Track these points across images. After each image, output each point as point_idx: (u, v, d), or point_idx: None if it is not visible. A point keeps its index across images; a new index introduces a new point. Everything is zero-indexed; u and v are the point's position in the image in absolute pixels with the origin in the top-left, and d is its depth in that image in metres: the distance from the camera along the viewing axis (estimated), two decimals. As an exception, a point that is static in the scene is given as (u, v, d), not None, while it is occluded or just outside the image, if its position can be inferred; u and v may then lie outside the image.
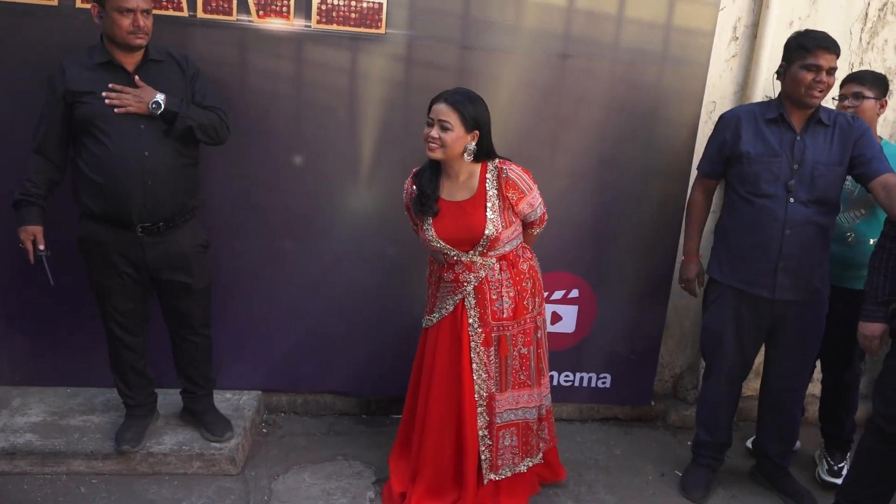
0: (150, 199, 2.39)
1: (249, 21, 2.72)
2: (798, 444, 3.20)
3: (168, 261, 2.52)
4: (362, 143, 2.90)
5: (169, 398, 2.94)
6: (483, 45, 2.83)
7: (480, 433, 2.46)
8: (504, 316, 2.41)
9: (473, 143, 2.30)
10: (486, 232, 2.31)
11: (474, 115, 2.27)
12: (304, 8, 2.72)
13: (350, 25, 2.76)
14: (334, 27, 2.76)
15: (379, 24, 2.77)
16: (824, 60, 2.40)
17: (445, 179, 2.38)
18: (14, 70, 2.68)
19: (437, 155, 2.28)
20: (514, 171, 2.37)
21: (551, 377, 3.26)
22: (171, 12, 2.66)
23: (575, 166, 3.01)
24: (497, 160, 2.38)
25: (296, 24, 2.74)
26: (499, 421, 2.46)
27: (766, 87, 3.06)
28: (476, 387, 2.43)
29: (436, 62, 2.84)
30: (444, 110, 2.25)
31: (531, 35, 2.85)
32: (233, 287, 2.94)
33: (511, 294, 2.41)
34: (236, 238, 2.76)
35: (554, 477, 2.79)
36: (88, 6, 2.54)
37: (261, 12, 2.71)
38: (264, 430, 3.09)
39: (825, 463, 3.00)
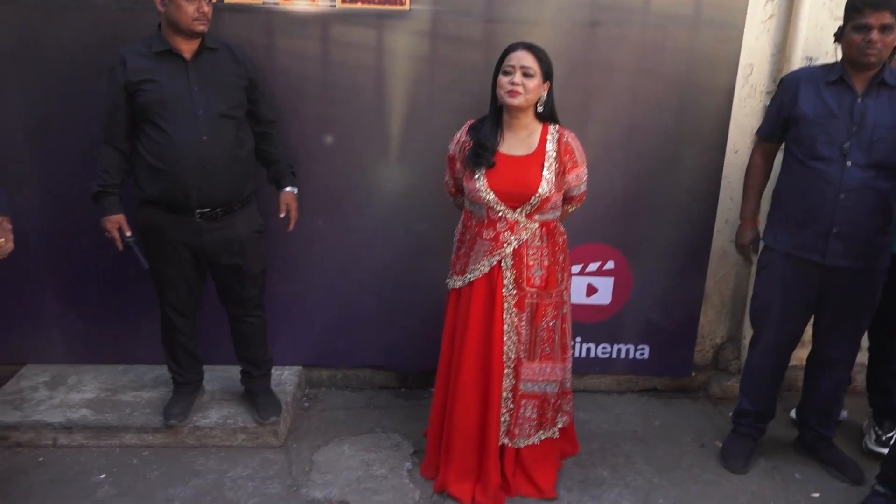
0: (208, 183, 2.47)
1: (275, 4, 2.75)
2: (845, 413, 3.13)
3: (225, 246, 2.60)
4: (390, 121, 2.93)
5: (215, 374, 3.07)
6: (508, 17, 2.81)
7: (504, 394, 2.47)
8: (537, 283, 2.41)
9: (545, 94, 2.34)
10: (540, 190, 2.31)
11: (548, 61, 2.32)
12: (328, -12, 2.75)
13: (374, 3, 2.77)
14: (359, 6, 2.77)
15: (403, 1, 2.78)
16: (874, 19, 2.28)
17: (507, 132, 2.38)
18: (48, 64, 2.79)
19: (519, 101, 2.28)
20: (574, 140, 2.40)
21: (588, 349, 3.27)
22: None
23: (607, 136, 2.97)
24: (557, 125, 2.41)
25: (321, 4, 2.77)
26: (522, 388, 2.47)
27: (806, 48, 2.95)
28: (505, 348, 2.43)
29: (461, 36, 2.83)
30: (526, 57, 2.28)
31: (558, 4, 2.81)
32: (270, 267, 3.00)
33: (546, 263, 2.41)
34: (271, 219, 2.82)
35: (572, 449, 2.79)
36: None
37: (287, -6, 2.75)
38: (306, 404, 3.19)
39: (873, 433, 2.92)
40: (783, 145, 2.67)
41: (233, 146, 2.51)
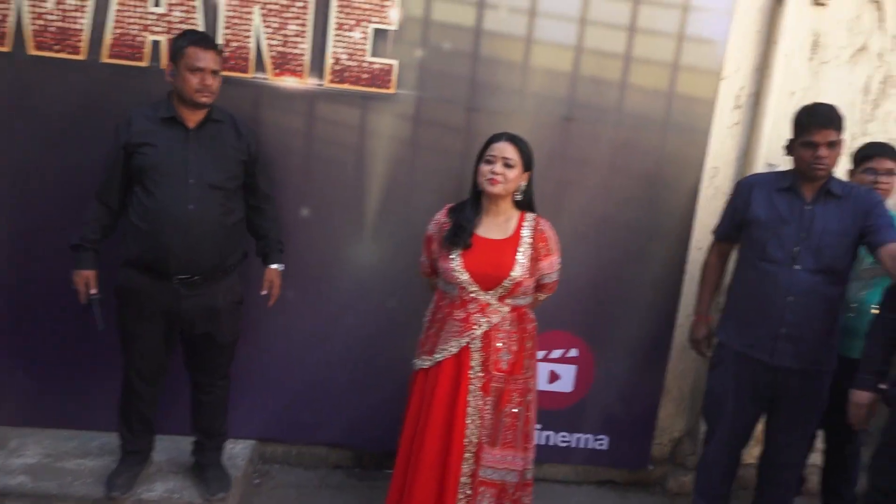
0: (189, 250, 2.45)
1: (265, 79, 2.81)
2: (798, 515, 3.15)
3: (201, 314, 2.56)
4: (369, 199, 2.96)
5: (164, 444, 2.94)
6: (489, 107, 2.91)
7: (463, 479, 2.43)
8: (504, 368, 2.42)
9: (524, 183, 2.42)
10: (513, 273, 2.36)
11: (529, 155, 2.43)
12: (317, 67, 2.82)
13: (361, 85, 2.85)
14: (346, 86, 2.85)
15: (389, 85, 2.86)
16: (821, 136, 2.44)
17: (485, 216, 2.45)
18: (41, 119, 2.79)
19: (498, 189, 2.36)
20: (550, 228, 2.49)
21: (547, 437, 3.25)
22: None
23: (577, 227, 3.05)
24: (534, 214, 2.49)
25: (309, 82, 2.83)
26: (481, 475, 2.43)
27: (768, 154, 3.11)
28: (467, 431, 2.41)
29: (443, 122, 2.92)
30: (508, 148, 2.37)
31: (536, 98, 2.94)
32: (234, 335, 2.97)
33: (514, 349, 2.43)
34: (241, 287, 2.79)
35: None
36: (113, 61, 2.67)
37: (276, 70, 2.81)
38: (256, 481, 3.07)
39: (826, 537, 2.94)
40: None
41: (220, 216, 2.51)
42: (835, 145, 2.45)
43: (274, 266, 2.74)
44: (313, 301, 3.01)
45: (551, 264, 2.48)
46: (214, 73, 2.44)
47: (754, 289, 2.58)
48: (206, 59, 2.41)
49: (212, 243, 2.50)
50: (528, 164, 2.42)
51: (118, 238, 2.54)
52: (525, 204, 2.48)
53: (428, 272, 2.60)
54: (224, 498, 2.71)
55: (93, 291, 2.50)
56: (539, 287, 2.51)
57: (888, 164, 2.78)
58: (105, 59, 2.75)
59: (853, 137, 3.22)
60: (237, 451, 3.03)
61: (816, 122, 2.45)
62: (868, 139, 3.12)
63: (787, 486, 2.76)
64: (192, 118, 2.48)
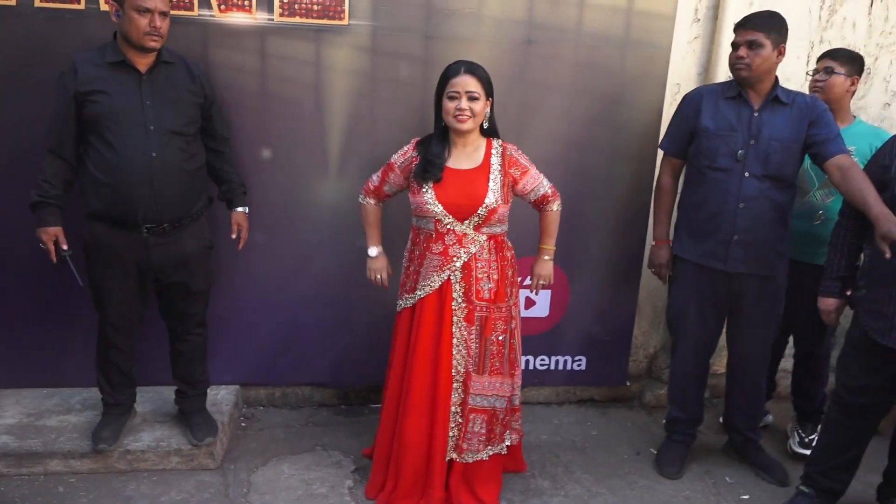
0: (157, 200, 2.40)
1: (211, 16, 2.71)
2: (770, 417, 3.28)
3: (172, 262, 2.53)
4: (330, 136, 2.92)
5: (147, 395, 2.96)
6: (446, 34, 2.85)
7: (453, 408, 2.48)
8: (486, 297, 2.44)
9: (488, 109, 2.41)
10: (487, 200, 2.36)
11: (488, 79, 2.40)
12: (265, 1, 2.72)
13: (313, 17, 2.77)
14: (297, 20, 2.76)
15: (342, 16, 2.78)
16: (740, 36, 2.51)
17: (453, 148, 2.43)
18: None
19: (468, 126, 2.35)
20: (517, 151, 2.48)
21: (526, 361, 3.31)
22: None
23: (543, 152, 3.01)
24: (500, 140, 2.47)
25: (258, 17, 2.74)
26: (471, 403, 2.48)
27: (728, 67, 3.08)
28: (454, 362, 2.45)
29: (400, 52, 2.86)
30: (471, 81, 2.33)
31: (494, 22, 2.87)
32: (206, 283, 2.95)
33: (495, 277, 2.45)
34: (216, 237, 2.77)
35: (516, 467, 2.81)
36: (47, 5, 2.54)
37: (222, 6, 2.71)
38: (243, 424, 3.11)
39: (797, 435, 3.06)
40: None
41: (182, 162, 2.46)
42: (755, 45, 2.47)
43: (240, 209, 2.72)
44: (283, 243, 2.99)
45: (533, 178, 2.48)
46: (163, 14, 2.32)
47: (706, 199, 2.62)
48: (155, 0, 2.28)
49: (177, 191, 2.46)
50: (489, 92, 2.40)
51: (76, 193, 2.48)
52: (491, 131, 2.47)
53: (370, 191, 2.58)
54: (212, 442, 2.74)
55: (65, 247, 2.44)
56: (542, 201, 2.52)
57: (826, 63, 2.80)
58: (38, 3, 2.62)
59: (811, 45, 3.23)
60: (221, 397, 3.06)
61: (739, 23, 2.52)
62: (826, 46, 3.13)
63: (756, 390, 2.87)
64: (143, 62, 2.38)
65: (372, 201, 2.59)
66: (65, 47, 2.62)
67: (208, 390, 2.90)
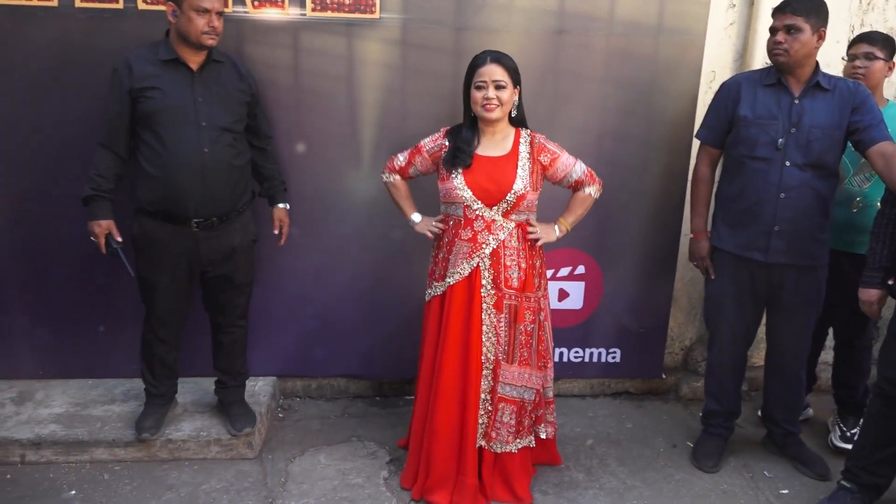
0: (207, 194, 2.47)
1: (245, 12, 2.76)
2: (810, 411, 3.21)
3: (219, 255, 2.60)
4: (363, 129, 2.94)
5: (188, 386, 3.03)
6: (477, 26, 2.85)
7: (483, 395, 2.49)
8: (515, 285, 2.44)
9: (517, 97, 2.42)
10: (515, 187, 2.37)
11: (515, 68, 2.40)
12: (298, -4, 2.76)
13: (344, 11, 2.79)
14: (329, 14, 2.79)
15: (373, 9, 2.80)
16: (778, 21, 2.45)
17: (483, 137, 2.45)
18: (18, 72, 2.76)
19: (496, 114, 2.36)
20: (545, 139, 2.49)
21: (560, 354, 3.30)
22: (164, 7, 2.70)
23: (575, 142, 2.98)
24: (529, 130, 2.49)
25: (291, 12, 2.78)
26: (500, 391, 2.48)
27: (766, 54, 3.02)
28: (484, 349, 2.46)
29: (431, 44, 2.86)
30: (497, 70, 2.34)
31: (525, 13, 2.86)
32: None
33: (523, 266, 2.45)
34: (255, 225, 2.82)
35: (551, 460, 2.80)
36: (87, 5, 2.61)
37: (256, 2, 2.75)
38: (280, 415, 3.16)
39: (838, 429, 3.00)
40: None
41: (232, 158, 2.52)
42: (794, 30, 2.41)
43: (281, 205, 2.80)
44: (317, 236, 3.03)
45: (565, 164, 2.47)
46: (220, 14, 2.39)
47: (745, 189, 2.57)
48: (213, 0, 2.36)
49: (226, 185, 2.52)
50: (516, 80, 2.40)
51: (125, 188, 2.55)
52: (519, 119, 2.47)
53: (393, 168, 2.60)
54: (250, 433, 2.80)
55: (119, 239, 2.51)
56: (577, 185, 2.51)
57: (867, 49, 2.72)
58: (79, 4, 2.69)
59: (851, 29, 3.14)
60: (259, 388, 3.11)
61: (777, 7, 2.46)
62: (867, 29, 3.04)
63: (796, 382, 2.81)
64: (195, 60, 2.45)
65: (398, 177, 2.61)
66: (105, 46, 2.70)
67: (247, 382, 2.96)
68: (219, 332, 2.80)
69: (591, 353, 3.34)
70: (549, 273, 3.18)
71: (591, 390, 3.44)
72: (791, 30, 2.41)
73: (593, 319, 3.28)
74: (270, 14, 2.77)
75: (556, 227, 2.54)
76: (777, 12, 2.46)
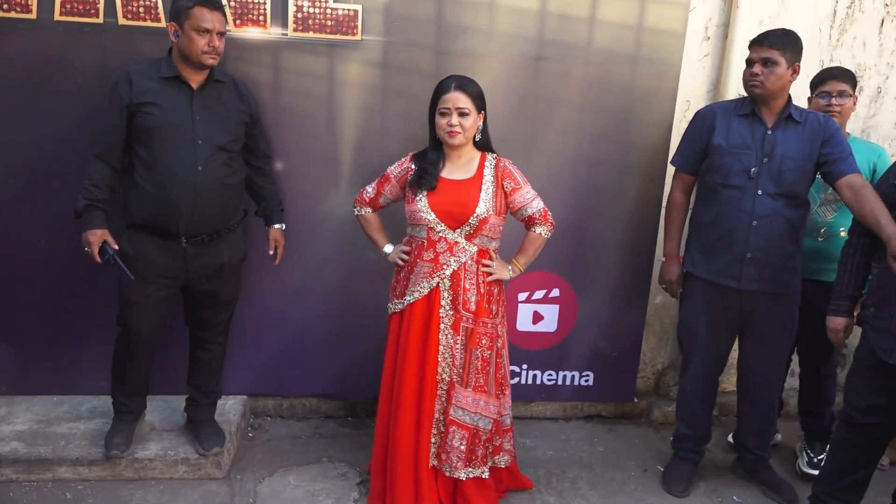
0: (199, 212, 2.47)
1: (227, 30, 2.74)
2: (779, 436, 3.25)
3: (208, 272, 2.59)
4: (342, 149, 2.95)
5: (156, 404, 2.98)
6: (458, 50, 2.88)
7: (436, 415, 2.50)
8: (472, 308, 2.46)
9: (481, 122, 2.46)
10: (478, 210, 2.39)
11: (480, 94, 2.44)
12: (280, 16, 2.77)
13: (326, 33, 2.81)
14: (311, 35, 2.80)
15: (355, 31, 2.82)
16: (755, 53, 2.52)
17: (448, 161, 2.48)
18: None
19: (459, 140, 2.40)
20: (512, 165, 2.51)
21: (533, 376, 3.31)
22: (149, 23, 2.70)
23: (552, 167, 3.05)
24: (495, 154, 2.51)
25: (273, 32, 2.79)
26: (452, 414, 2.48)
27: (739, 85, 3.08)
28: (439, 369, 2.47)
29: (411, 67, 2.89)
30: (460, 98, 2.38)
31: (505, 39, 2.90)
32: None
33: (482, 290, 2.47)
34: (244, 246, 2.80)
35: (520, 485, 2.79)
36: (66, 19, 2.60)
37: (238, 21, 2.76)
38: (250, 434, 3.12)
39: (805, 455, 3.04)
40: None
41: (226, 177, 2.53)
42: (770, 63, 2.48)
43: (277, 226, 2.80)
44: (293, 255, 3.00)
45: (522, 196, 2.49)
46: (221, 34, 2.41)
47: (720, 216, 2.62)
48: (214, 21, 2.38)
49: (218, 204, 2.52)
50: (480, 107, 2.44)
51: (115, 203, 2.53)
52: (483, 144, 2.51)
53: (364, 202, 2.62)
54: (219, 452, 2.75)
55: (115, 247, 2.48)
56: (529, 221, 2.53)
57: (841, 87, 2.80)
58: (58, 17, 2.67)
59: (821, 64, 3.23)
60: (229, 407, 3.07)
61: (753, 39, 2.54)
62: (836, 64, 3.13)
63: (768, 409, 2.85)
64: (196, 78, 2.46)
65: (369, 210, 2.63)
66: (83, 60, 2.69)
67: (218, 401, 2.92)
68: (197, 349, 2.77)
69: (565, 376, 3.35)
70: (525, 296, 3.21)
71: (564, 413, 3.45)
72: (768, 63, 2.48)
73: (567, 342, 3.30)
74: (252, 33, 2.78)
75: (509, 267, 2.56)
76: (754, 45, 2.53)
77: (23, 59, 2.70)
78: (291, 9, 2.77)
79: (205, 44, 2.38)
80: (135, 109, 2.41)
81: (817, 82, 2.88)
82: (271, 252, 2.80)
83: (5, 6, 2.65)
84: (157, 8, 2.70)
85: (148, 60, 2.50)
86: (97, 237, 2.47)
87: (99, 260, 2.48)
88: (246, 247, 2.74)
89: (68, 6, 2.67)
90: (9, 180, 2.81)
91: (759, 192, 2.55)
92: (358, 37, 2.83)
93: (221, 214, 2.56)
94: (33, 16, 2.67)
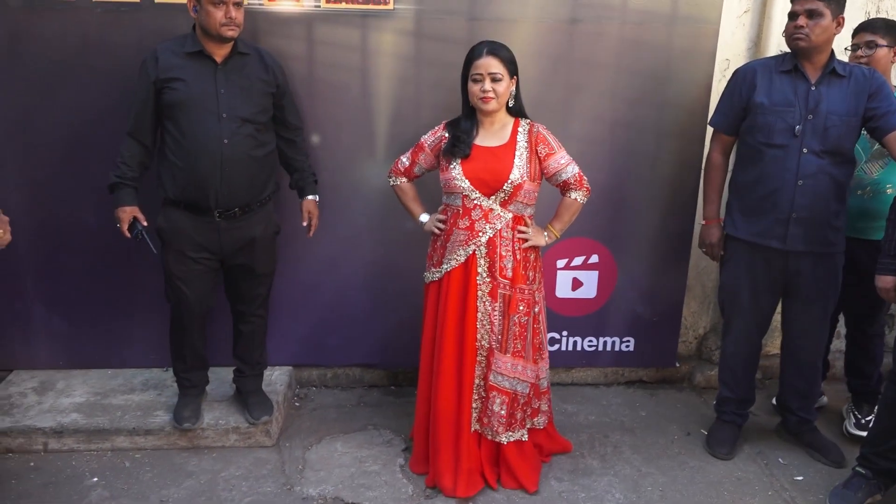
0: (226, 185, 2.50)
1: (260, 4, 2.78)
2: (825, 398, 3.22)
3: (241, 245, 2.63)
4: (376, 119, 2.96)
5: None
6: (491, 16, 2.85)
7: (476, 381, 2.53)
8: (509, 275, 2.47)
9: (514, 87, 2.43)
10: (512, 176, 2.39)
11: (512, 59, 2.41)
12: (313, -12, 2.77)
13: (359, 3, 2.80)
14: (343, 5, 2.80)
15: (387, 1, 2.81)
16: (799, 5, 2.43)
17: (481, 128, 2.47)
18: (34, 64, 2.78)
19: (493, 106, 2.38)
20: (545, 130, 2.49)
21: (574, 343, 3.32)
22: (184, 1, 2.71)
23: (589, 131, 3.02)
24: (528, 119, 2.49)
25: (305, 5, 2.79)
26: (492, 380, 2.51)
27: (780, 41, 3.02)
28: (478, 335, 2.49)
29: (444, 35, 2.87)
30: (493, 63, 2.35)
31: (538, 2, 2.86)
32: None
33: (518, 257, 2.47)
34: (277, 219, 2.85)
35: (561, 448, 2.83)
36: (103, -1, 2.64)
37: (271, -6, 2.77)
38: (297, 404, 3.20)
39: (852, 416, 3.00)
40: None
41: (253, 149, 2.55)
42: (815, 15, 2.40)
43: (311, 197, 2.80)
44: (332, 226, 3.04)
45: (558, 161, 2.47)
46: (237, 4, 2.41)
47: (762, 176, 2.56)
48: None
49: (247, 177, 2.55)
50: (513, 71, 2.41)
51: (150, 179, 2.59)
52: (516, 110, 2.49)
53: (399, 171, 2.63)
54: (268, 421, 2.83)
55: (145, 224, 2.55)
56: (564, 186, 2.51)
57: (868, 37, 2.71)
58: (94, -2, 2.72)
59: (867, 15, 3.13)
60: (275, 378, 3.15)
61: None
62: (882, 15, 3.02)
63: (812, 371, 2.81)
64: (219, 52, 2.48)
65: (404, 179, 2.63)
66: (121, 39, 2.74)
67: (264, 371, 2.99)
68: (239, 322, 2.83)
69: (605, 342, 3.35)
70: (563, 262, 3.21)
71: (605, 379, 3.46)
72: (812, 14, 2.40)
73: (607, 308, 3.29)
74: (285, 6, 2.79)
75: (545, 233, 2.55)
76: None
77: (62, 38, 2.75)
78: (323, -20, 2.76)
79: (222, 16, 2.37)
80: (161, 86, 2.45)
81: (853, 35, 2.78)
82: (305, 224, 2.80)
83: (45, -11, 2.70)
84: (191, -15, 2.72)
85: (175, 37, 2.52)
86: (127, 214, 2.54)
87: (128, 235, 2.55)
88: (278, 220, 2.76)
89: (106, -13, 2.71)
90: (53, 157, 2.88)
91: (805, 150, 2.48)
92: (390, 6, 2.81)
93: (251, 187, 2.58)
94: (72, -3, 2.71)
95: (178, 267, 2.61)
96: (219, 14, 2.37)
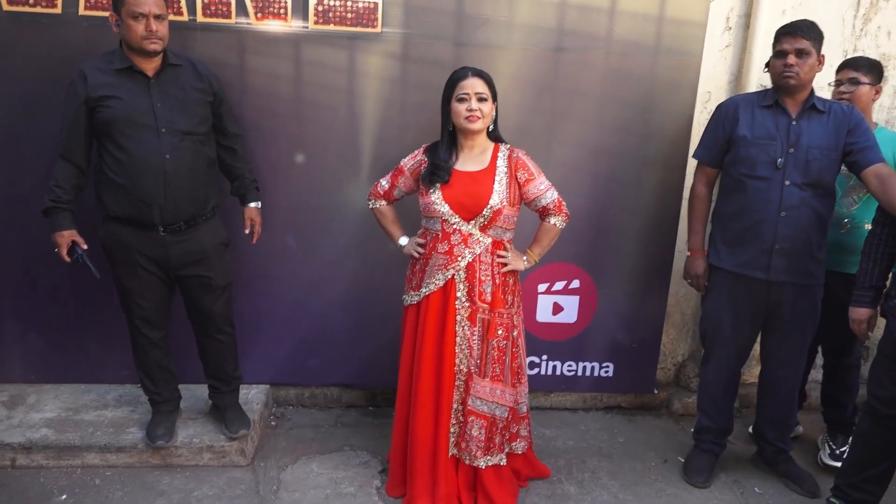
0: (171, 200, 2.47)
1: (248, 23, 2.79)
2: (800, 428, 3.24)
3: (190, 258, 2.60)
4: (362, 141, 2.97)
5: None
6: (477, 42, 2.89)
7: (455, 405, 2.52)
8: (488, 299, 2.47)
9: (495, 112, 2.47)
10: (491, 201, 2.39)
11: (493, 83, 2.45)
12: (301, 9, 2.79)
13: (347, 25, 2.82)
14: (331, 27, 2.82)
15: (375, 24, 2.83)
16: (788, 44, 2.48)
17: (461, 152, 2.49)
18: (19, 78, 2.78)
19: (479, 125, 2.40)
20: (525, 155, 2.50)
21: (553, 367, 3.32)
22: (171, 17, 2.73)
23: (572, 158, 3.05)
24: (508, 145, 2.51)
25: (293, 25, 2.81)
26: (470, 404, 2.50)
27: (761, 76, 3.08)
28: (457, 360, 2.49)
29: (431, 59, 2.89)
30: (478, 83, 2.39)
31: (525, 30, 2.90)
32: (238, 284, 3.00)
33: (496, 281, 2.48)
34: (241, 236, 2.83)
35: (538, 474, 2.82)
36: (91, 13, 2.64)
37: (259, 14, 2.78)
38: (273, 423, 3.17)
39: (827, 447, 3.02)
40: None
41: (195, 161, 2.52)
42: (804, 54, 2.46)
43: (252, 204, 2.77)
44: (314, 246, 3.04)
45: (536, 187, 2.48)
46: (158, 17, 2.37)
47: (746, 207, 2.60)
48: (148, 4, 2.33)
49: (191, 190, 2.52)
50: (495, 95, 2.45)
51: (88, 194, 2.55)
52: (496, 135, 2.51)
53: (379, 195, 2.63)
54: (246, 435, 2.80)
55: (84, 247, 2.50)
56: (543, 211, 2.53)
57: (851, 74, 2.78)
58: (82, 12, 2.72)
59: (845, 54, 3.20)
60: (252, 396, 3.11)
61: (784, 30, 2.51)
62: (859, 55, 3.09)
63: (789, 401, 2.83)
64: (149, 66, 2.44)
65: (383, 202, 2.64)
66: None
67: (240, 388, 2.95)
68: (205, 340, 2.79)
69: (584, 367, 3.36)
70: (545, 287, 3.22)
71: (584, 404, 3.46)
72: (801, 54, 2.46)
73: (587, 333, 3.30)
74: (273, 26, 2.81)
75: (524, 257, 2.57)
76: (785, 36, 2.49)
77: (48, 52, 2.75)
78: (312, 1, 2.79)
79: (142, 29, 2.34)
80: (94, 104, 2.40)
81: (836, 72, 2.86)
82: (247, 231, 2.75)
83: (31, 1, 2.69)
84: (179, 1, 2.74)
85: (101, 54, 2.47)
86: (65, 238, 2.49)
87: (68, 259, 2.50)
88: (226, 232, 2.72)
89: (93, 1, 2.71)
90: (31, 172, 2.85)
91: (787, 182, 2.53)
92: (378, 29, 2.84)
93: (194, 200, 2.55)
94: (58, 10, 2.71)
95: (131, 281, 2.58)
96: (139, 28, 2.34)
